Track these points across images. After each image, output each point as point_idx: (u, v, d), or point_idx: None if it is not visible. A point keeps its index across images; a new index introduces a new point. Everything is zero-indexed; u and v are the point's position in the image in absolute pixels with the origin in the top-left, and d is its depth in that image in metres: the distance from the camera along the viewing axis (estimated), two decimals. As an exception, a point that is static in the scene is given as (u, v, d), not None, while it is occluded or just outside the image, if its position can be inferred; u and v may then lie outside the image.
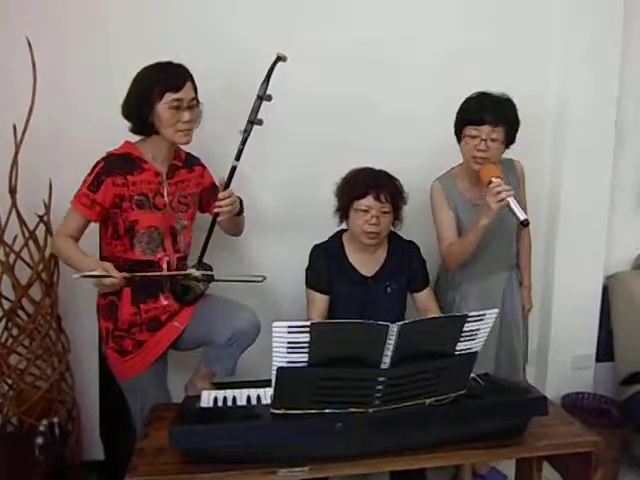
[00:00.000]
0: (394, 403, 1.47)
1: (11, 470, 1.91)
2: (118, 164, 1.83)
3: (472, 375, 1.65)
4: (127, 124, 1.87)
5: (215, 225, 1.98)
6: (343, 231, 2.18)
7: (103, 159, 1.84)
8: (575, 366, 2.70)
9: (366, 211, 2.03)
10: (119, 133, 1.90)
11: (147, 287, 1.89)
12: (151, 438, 1.59)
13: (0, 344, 2.12)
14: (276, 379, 1.39)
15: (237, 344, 1.89)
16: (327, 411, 1.44)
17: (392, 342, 1.38)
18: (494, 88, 2.10)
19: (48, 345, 2.15)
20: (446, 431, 1.54)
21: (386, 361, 1.41)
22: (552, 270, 2.66)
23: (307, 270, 2.15)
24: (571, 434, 1.66)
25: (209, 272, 1.98)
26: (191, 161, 2.02)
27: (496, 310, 1.53)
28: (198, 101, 1.87)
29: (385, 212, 2.04)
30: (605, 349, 2.76)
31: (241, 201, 1.98)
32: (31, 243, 2.10)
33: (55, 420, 2.01)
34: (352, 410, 1.45)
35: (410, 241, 2.21)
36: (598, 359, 2.76)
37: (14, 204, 2.05)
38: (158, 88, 1.77)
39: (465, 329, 1.48)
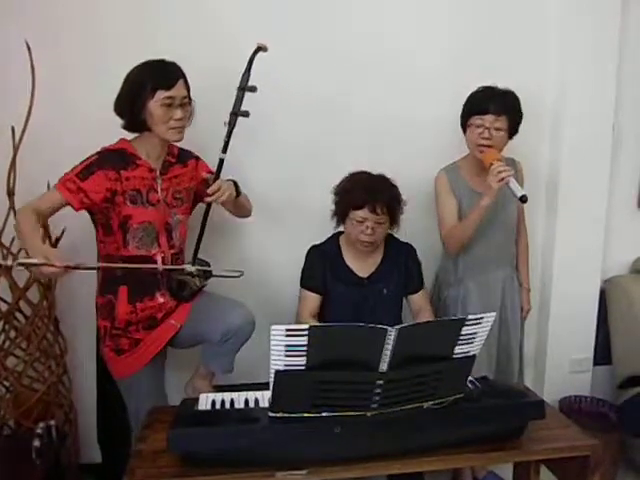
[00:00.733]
0: (392, 406, 1.47)
1: (8, 473, 1.91)
2: (112, 159, 1.84)
3: (470, 378, 1.66)
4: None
5: (207, 220, 1.99)
6: (340, 233, 2.20)
7: (97, 152, 1.85)
8: (573, 369, 2.71)
9: (362, 222, 2.04)
10: (118, 135, 1.91)
11: (143, 285, 1.90)
12: (149, 441, 1.59)
13: (-3, 346, 2.12)
14: (274, 382, 1.39)
15: (232, 340, 1.89)
16: (325, 414, 1.44)
17: (390, 345, 1.38)
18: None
19: (45, 347, 2.15)
20: (444, 434, 1.53)
21: (384, 364, 1.41)
22: (550, 273, 2.67)
23: (302, 270, 2.17)
24: (568, 438, 1.66)
25: (204, 268, 1.98)
26: (184, 156, 2.03)
27: (494, 313, 1.54)
28: (190, 99, 1.89)
29: (380, 223, 2.06)
30: (603, 352, 2.77)
31: (235, 183, 1.98)
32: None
33: (52, 423, 2.01)
34: (350, 413, 1.44)
35: (406, 243, 2.23)
36: (596, 362, 2.76)
37: (12, 206, 2.05)
38: (150, 86, 1.79)
39: (463, 332, 1.48)
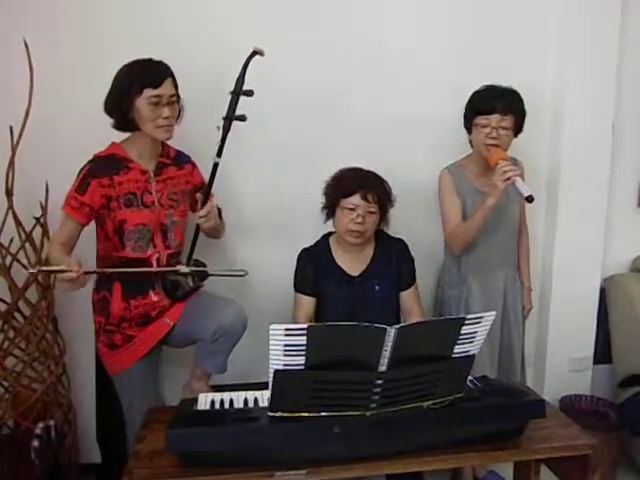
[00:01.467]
0: (391, 406, 1.46)
1: (7, 473, 1.90)
2: (104, 166, 1.86)
3: (470, 378, 1.65)
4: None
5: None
6: (330, 234, 2.20)
7: (89, 162, 1.87)
8: (573, 368, 2.70)
9: (352, 209, 2.04)
10: (116, 135, 1.91)
11: (137, 283, 1.91)
12: (147, 441, 1.59)
13: (-4, 346, 2.12)
14: (273, 382, 1.39)
15: (223, 339, 1.89)
16: (324, 414, 1.43)
17: (389, 345, 1.38)
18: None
19: (44, 347, 2.15)
20: (444, 434, 1.53)
21: (383, 364, 1.40)
22: (550, 272, 2.66)
23: (295, 274, 2.17)
24: (569, 437, 1.66)
25: (197, 268, 1.99)
26: (181, 159, 2.03)
27: (493, 313, 1.53)
28: (179, 97, 1.89)
29: (371, 212, 2.06)
30: (603, 351, 2.76)
31: (219, 211, 2.01)
32: (28, 245, 2.10)
33: (51, 423, 2.00)
34: (349, 413, 1.44)
35: (398, 238, 2.22)
36: (596, 361, 2.76)
37: (10, 206, 2.05)
38: (137, 84, 1.80)
39: (463, 332, 1.47)
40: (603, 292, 2.74)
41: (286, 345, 1.35)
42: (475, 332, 1.50)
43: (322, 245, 2.19)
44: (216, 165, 1.93)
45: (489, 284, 2.28)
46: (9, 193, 2.04)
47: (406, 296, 2.20)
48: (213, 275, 2.03)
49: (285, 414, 1.43)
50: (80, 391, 2.33)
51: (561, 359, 2.69)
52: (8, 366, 2.13)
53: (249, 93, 1.90)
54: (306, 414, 1.43)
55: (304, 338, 1.34)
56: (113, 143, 1.91)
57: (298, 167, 2.39)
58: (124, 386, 1.97)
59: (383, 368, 1.41)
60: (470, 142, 2.25)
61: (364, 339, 1.38)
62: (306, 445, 1.45)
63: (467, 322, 1.47)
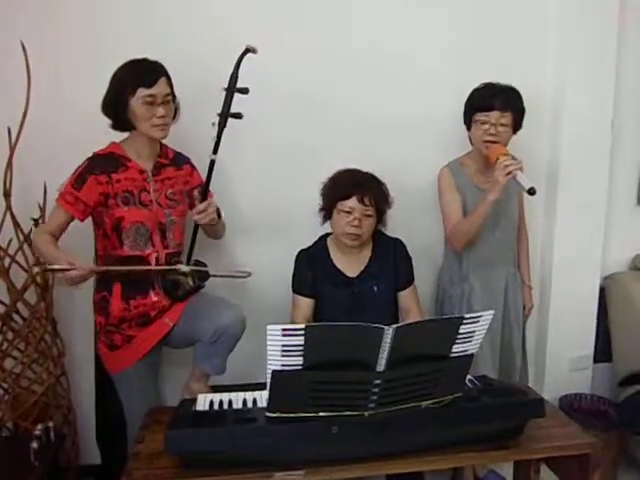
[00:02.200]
0: (390, 406, 1.46)
1: (7, 475, 1.90)
2: (102, 163, 1.87)
3: (469, 377, 1.65)
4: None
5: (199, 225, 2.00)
6: (328, 234, 2.20)
7: (88, 159, 1.89)
8: (573, 367, 2.70)
9: (349, 212, 2.04)
10: (115, 136, 1.91)
11: (137, 283, 1.92)
12: (147, 442, 1.59)
13: (-5, 348, 2.12)
14: (271, 382, 1.38)
15: (222, 340, 1.89)
16: (323, 414, 1.43)
17: (387, 344, 1.37)
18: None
19: (43, 349, 2.15)
20: (443, 434, 1.53)
21: (382, 364, 1.40)
22: (549, 271, 2.66)
23: (293, 275, 2.17)
24: (569, 436, 1.66)
25: (199, 268, 1.99)
26: (180, 160, 2.04)
27: (492, 312, 1.53)
28: (174, 96, 1.90)
29: (368, 215, 2.05)
30: (603, 350, 2.76)
31: (218, 210, 2.00)
32: (26, 246, 2.10)
33: (51, 424, 2.00)
34: (348, 413, 1.44)
35: (395, 238, 2.22)
36: (596, 360, 2.75)
37: (9, 207, 2.05)
38: (131, 84, 1.81)
39: (461, 331, 1.47)
40: (603, 291, 2.74)
41: (284, 345, 1.34)
42: (473, 331, 1.49)
43: (320, 246, 2.19)
44: (212, 162, 1.93)
45: (490, 281, 2.28)
46: (7, 194, 2.04)
47: (404, 296, 2.19)
48: (216, 276, 2.03)
49: (283, 415, 1.43)
50: (79, 392, 2.33)
51: (561, 358, 2.68)
52: (7, 367, 2.13)
53: (244, 91, 1.90)
54: (304, 414, 1.43)
55: (302, 338, 1.34)
56: (112, 142, 1.93)
57: (297, 168, 2.38)
58: (124, 386, 1.97)
59: (381, 368, 1.40)
60: (470, 139, 2.25)
61: (362, 339, 1.38)
62: (304, 445, 1.44)
63: (465, 321, 1.47)
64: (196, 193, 1.96)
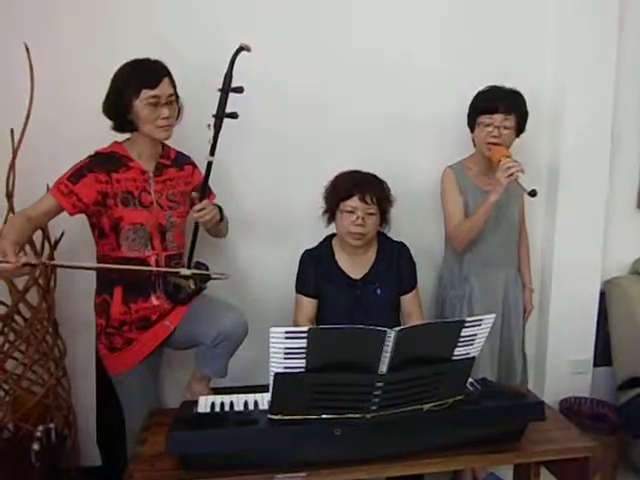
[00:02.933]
0: (392, 408, 1.46)
1: (7, 476, 1.91)
2: (103, 162, 1.86)
3: (469, 380, 1.66)
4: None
5: (199, 225, 1.99)
6: (333, 235, 2.21)
7: (89, 156, 1.87)
8: (573, 371, 2.70)
9: (352, 212, 2.05)
10: (117, 138, 1.91)
11: (138, 287, 1.91)
12: (148, 444, 1.59)
13: (-4, 349, 2.12)
14: (273, 385, 1.39)
15: (224, 344, 1.89)
16: (325, 417, 1.44)
17: (390, 347, 1.38)
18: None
19: (45, 350, 2.14)
20: (444, 436, 1.53)
21: (383, 366, 1.41)
22: (550, 274, 2.66)
23: (297, 275, 2.18)
24: (569, 439, 1.66)
25: (201, 271, 1.98)
26: (182, 160, 2.04)
27: (493, 315, 1.54)
28: (177, 97, 1.89)
29: (371, 213, 2.06)
30: (603, 354, 2.76)
31: (220, 209, 2.00)
32: (28, 248, 2.09)
33: (51, 426, 2.01)
34: (350, 416, 1.44)
35: (399, 242, 2.23)
36: (596, 364, 2.76)
37: (11, 208, 2.05)
38: (134, 85, 1.80)
39: (462, 334, 1.48)
40: (603, 295, 2.74)
41: (286, 348, 1.35)
42: (475, 334, 1.50)
43: (325, 247, 2.20)
44: (210, 164, 1.93)
45: (491, 283, 2.29)
46: (10, 195, 2.04)
47: (407, 300, 2.20)
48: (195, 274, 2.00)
49: (285, 417, 1.43)
50: (80, 394, 2.33)
51: (561, 362, 2.69)
52: (8, 369, 2.13)
53: (239, 90, 1.88)
54: (307, 417, 1.43)
55: (304, 341, 1.34)
56: (115, 142, 1.92)
57: (299, 169, 2.39)
58: (124, 388, 1.97)
59: (383, 371, 1.41)
60: (473, 141, 2.27)
61: (364, 342, 1.38)
62: (306, 448, 1.45)
63: (467, 324, 1.47)
64: (194, 193, 1.94)
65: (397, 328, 1.38)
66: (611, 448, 2.38)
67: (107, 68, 1.86)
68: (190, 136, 2.02)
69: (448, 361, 1.50)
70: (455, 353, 1.50)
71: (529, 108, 2.24)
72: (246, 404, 1.61)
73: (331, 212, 2.13)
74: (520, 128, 2.21)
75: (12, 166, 2.03)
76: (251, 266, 2.42)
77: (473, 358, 1.54)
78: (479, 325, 1.50)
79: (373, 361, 1.40)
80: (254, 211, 2.40)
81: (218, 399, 1.63)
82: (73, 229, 2.12)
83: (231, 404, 1.61)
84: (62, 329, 2.24)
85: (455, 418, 1.54)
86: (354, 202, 2.05)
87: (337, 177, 2.13)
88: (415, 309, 2.20)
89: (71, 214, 1.85)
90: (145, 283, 1.92)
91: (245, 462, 1.44)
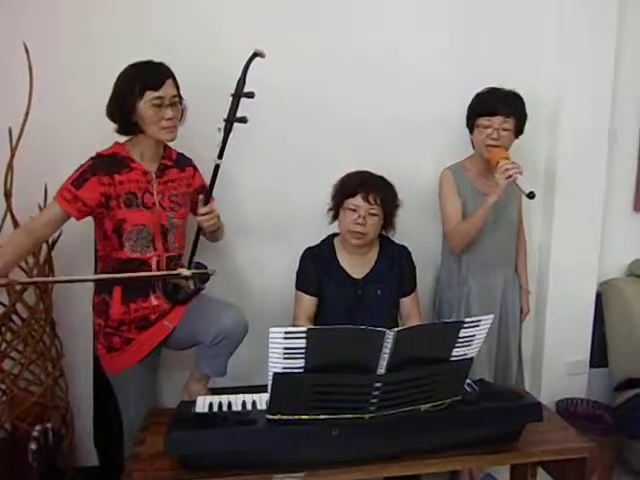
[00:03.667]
0: (390, 409, 1.47)
1: (4, 476, 1.90)
2: (105, 164, 1.85)
3: (467, 381, 1.66)
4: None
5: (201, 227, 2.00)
6: (335, 235, 2.21)
7: (91, 158, 1.87)
8: (569, 372, 2.71)
9: (354, 210, 2.06)
10: (115, 137, 1.91)
11: (138, 286, 1.91)
12: (147, 443, 1.59)
13: (-6, 349, 2.12)
14: (272, 385, 1.39)
15: (223, 343, 1.89)
16: (323, 417, 1.44)
17: (388, 348, 1.39)
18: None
19: (42, 350, 2.14)
20: (441, 437, 1.54)
21: (382, 367, 1.41)
22: (546, 276, 2.67)
23: (297, 272, 2.18)
24: (565, 440, 1.67)
25: (200, 271, 1.98)
26: (183, 161, 2.04)
27: (491, 316, 1.55)
28: (181, 98, 1.89)
29: (373, 214, 2.07)
30: (599, 355, 2.77)
31: (218, 215, 2.00)
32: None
33: (49, 425, 2.00)
34: (348, 416, 1.45)
35: (401, 245, 2.24)
36: (592, 365, 2.77)
37: (9, 208, 2.05)
38: (138, 87, 1.80)
39: (461, 335, 1.48)
40: (599, 296, 2.76)
41: (285, 348, 1.35)
42: (473, 335, 1.51)
43: (326, 245, 2.20)
44: (217, 167, 1.93)
45: (488, 284, 2.30)
46: (8, 195, 2.04)
47: (406, 302, 2.21)
48: (196, 274, 2.00)
49: (284, 417, 1.43)
50: (78, 394, 2.32)
51: (557, 363, 2.69)
52: (5, 368, 2.12)
53: (250, 95, 1.90)
54: (305, 417, 1.43)
55: (303, 341, 1.35)
56: (116, 142, 1.91)
57: (299, 170, 2.39)
58: (122, 388, 1.97)
59: (382, 371, 1.42)
60: (472, 143, 2.27)
61: (363, 342, 1.39)
62: (305, 448, 1.45)
63: (465, 325, 1.48)
64: (201, 196, 1.95)
65: (396, 329, 1.38)
66: (607, 449, 2.40)
67: (106, 69, 1.86)
68: (193, 139, 2.02)
69: (446, 362, 1.50)
70: (453, 354, 1.50)
71: (527, 110, 2.24)
72: (244, 404, 1.61)
73: (335, 209, 2.14)
74: (519, 130, 2.22)
75: (10, 165, 2.03)
76: (251, 266, 2.41)
77: (471, 359, 1.54)
78: (477, 326, 1.50)
79: (372, 361, 1.40)
80: (254, 211, 2.40)
81: (216, 399, 1.63)
82: (71, 229, 2.10)
83: (229, 404, 1.61)
84: (59, 329, 2.23)
85: (453, 419, 1.55)
86: (357, 201, 2.06)
87: (345, 175, 2.15)
88: (414, 311, 2.21)
89: (78, 219, 1.86)
90: (144, 283, 1.92)
91: (243, 462, 1.44)
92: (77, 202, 1.82)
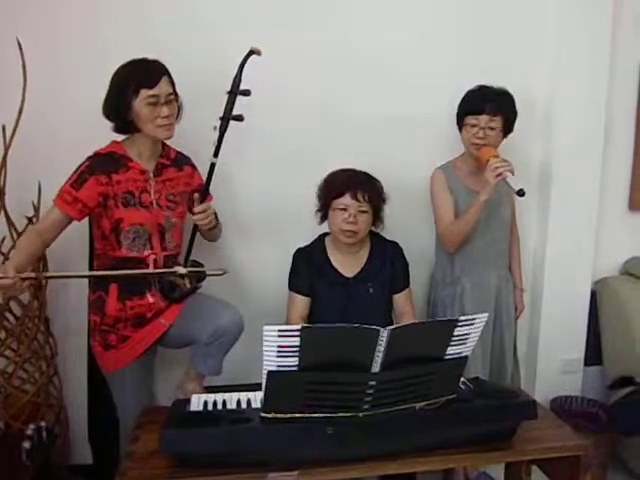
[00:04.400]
0: (384, 407, 1.47)
1: (-2, 474, 1.90)
2: (103, 163, 1.85)
3: (462, 379, 1.66)
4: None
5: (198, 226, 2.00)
6: (326, 234, 2.21)
7: (89, 158, 1.86)
8: (564, 370, 2.71)
9: (344, 209, 2.06)
10: (110, 135, 1.90)
11: (134, 284, 1.90)
12: (141, 442, 1.59)
13: (-13, 347, 2.11)
14: (266, 383, 1.39)
15: (219, 341, 1.88)
16: (317, 415, 1.44)
17: (382, 346, 1.39)
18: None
19: (36, 348, 2.13)
20: (436, 435, 1.54)
21: (376, 365, 1.41)
22: (541, 274, 2.68)
23: (289, 273, 2.19)
24: (560, 438, 1.67)
25: (196, 269, 1.98)
26: (181, 160, 2.03)
27: (486, 314, 1.55)
28: (177, 95, 1.89)
29: (363, 211, 2.07)
30: (593, 353, 2.77)
31: (215, 214, 2.00)
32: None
33: (43, 424, 1.99)
34: (343, 414, 1.45)
35: (392, 241, 2.24)
36: (586, 363, 2.77)
37: (2, 205, 2.04)
38: (133, 85, 1.79)
39: (455, 333, 1.48)
40: (594, 295, 2.76)
41: (279, 346, 1.35)
42: (468, 334, 1.51)
43: (317, 245, 2.20)
44: (213, 165, 1.93)
45: (482, 283, 2.30)
46: (1, 192, 2.03)
47: (399, 299, 2.21)
48: (191, 272, 1.99)
49: (278, 415, 1.43)
50: (72, 392, 2.31)
51: (552, 361, 2.70)
52: (-1, 367, 2.12)
53: (246, 93, 1.90)
54: (299, 415, 1.43)
55: (297, 339, 1.35)
56: (114, 141, 1.90)
57: (295, 168, 2.38)
58: (118, 386, 1.96)
59: (376, 369, 1.42)
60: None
61: (357, 340, 1.39)
62: (299, 446, 1.45)
63: (460, 324, 1.48)
64: (196, 195, 1.94)
65: (390, 327, 1.38)
66: (602, 446, 2.40)
67: (101, 65, 1.85)
68: (190, 138, 2.02)
69: (441, 360, 1.50)
70: (448, 352, 1.50)
71: (523, 109, 2.24)
72: (239, 402, 1.62)
73: (324, 210, 2.13)
74: (507, 129, 2.21)
75: (4, 163, 2.02)
76: (247, 265, 2.41)
77: (466, 357, 1.54)
78: (472, 324, 1.50)
79: (366, 360, 1.40)
80: (251, 210, 2.39)
81: (211, 397, 1.63)
82: (69, 230, 2.10)
83: (224, 402, 1.61)
84: (53, 327, 2.23)
85: (447, 417, 1.55)
86: (346, 200, 2.05)
87: (330, 175, 2.14)
88: (408, 308, 2.21)
89: (79, 220, 1.86)
90: (140, 280, 1.91)
91: (238, 460, 1.44)
92: (77, 204, 1.82)
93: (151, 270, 1.91)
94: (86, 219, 1.93)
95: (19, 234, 2.07)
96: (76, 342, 2.23)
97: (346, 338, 1.40)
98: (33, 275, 1.78)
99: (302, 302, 2.15)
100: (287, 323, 2.14)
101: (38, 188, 2.08)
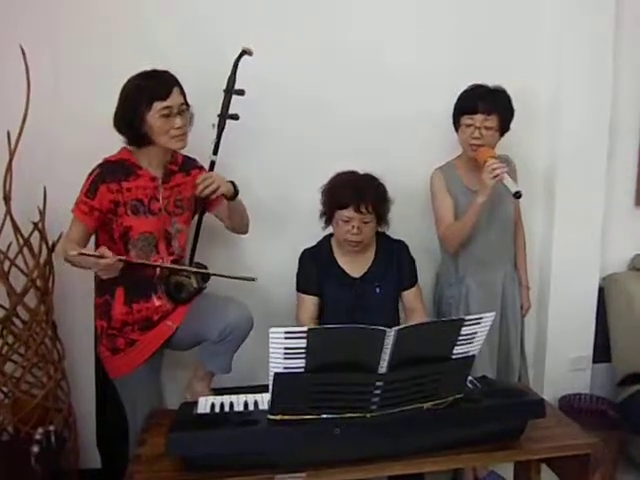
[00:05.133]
0: (392, 408, 1.46)
1: (7, 479, 1.90)
2: (113, 170, 1.85)
3: (469, 378, 1.66)
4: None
5: (202, 223, 2.01)
6: (332, 235, 2.20)
7: (99, 166, 1.86)
8: (572, 368, 2.70)
9: (347, 221, 2.05)
10: (114, 140, 1.90)
11: (140, 287, 1.90)
12: (148, 445, 1.59)
13: (-5, 352, 2.11)
14: (273, 385, 1.39)
15: (229, 339, 1.89)
16: (325, 416, 1.43)
17: (389, 346, 1.38)
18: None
19: (44, 353, 2.14)
20: (444, 435, 1.53)
21: (383, 365, 1.41)
22: (548, 271, 2.67)
23: (297, 275, 2.18)
24: (569, 436, 1.67)
25: (201, 270, 2.00)
26: (188, 164, 2.02)
27: (493, 313, 1.54)
28: (188, 105, 1.88)
29: (366, 222, 2.06)
30: (602, 350, 2.76)
31: (233, 184, 1.96)
32: (26, 250, 2.09)
33: (51, 428, 2.00)
34: (350, 415, 1.44)
35: (398, 240, 2.23)
36: (595, 360, 2.76)
37: (8, 211, 2.04)
38: (146, 98, 1.79)
39: (462, 332, 1.47)
40: (601, 291, 2.74)
41: (286, 348, 1.35)
42: (475, 333, 1.50)
43: (324, 246, 2.20)
44: (213, 163, 1.95)
45: (487, 282, 2.29)
46: (7, 198, 2.04)
47: (408, 295, 2.20)
48: (223, 277, 2.01)
49: (285, 417, 1.43)
50: (80, 396, 2.32)
51: (560, 358, 2.69)
52: (7, 372, 2.12)
53: (240, 92, 1.95)
54: (307, 417, 1.43)
55: (304, 341, 1.34)
56: (123, 148, 1.90)
57: (298, 168, 2.38)
58: (127, 389, 1.96)
59: (383, 370, 1.41)
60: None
61: (364, 341, 1.38)
62: (307, 448, 1.44)
63: (467, 323, 1.47)
64: (198, 181, 1.92)
65: (397, 327, 1.38)
66: (611, 444, 2.38)
67: (104, 72, 1.87)
68: (190, 138, 2.02)
69: (448, 360, 1.50)
70: (455, 351, 1.50)
71: (526, 107, 2.23)
72: (246, 404, 1.61)
73: (328, 217, 2.13)
74: (504, 127, 2.17)
75: (9, 168, 2.02)
76: (254, 265, 2.40)
77: (473, 356, 1.54)
78: (479, 323, 1.49)
79: (373, 360, 1.40)
80: (255, 209, 2.37)
81: (218, 399, 1.63)
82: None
83: (231, 404, 1.61)
84: (61, 331, 2.24)
85: (455, 416, 1.54)
86: (349, 212, 2.04)
87: (333, 180, 2.11)
88: (418, 305, 2.21)
89: (95, 227, 1.87)
90: (146, 283, 1.92)
91: (245, 463, 1.43)
92: (94, 213, 1.83)
93: (174, 266, 1.92)
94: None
95: (25, 239, 2.08)
96: (83, 346, 2.23)
97: (353, 339, 1.39)
98: (124, 258, 1.79)
99: (311, 303, 2.15)
100: (297, 324, 2.14)
101: (43, 193, 2.08)
